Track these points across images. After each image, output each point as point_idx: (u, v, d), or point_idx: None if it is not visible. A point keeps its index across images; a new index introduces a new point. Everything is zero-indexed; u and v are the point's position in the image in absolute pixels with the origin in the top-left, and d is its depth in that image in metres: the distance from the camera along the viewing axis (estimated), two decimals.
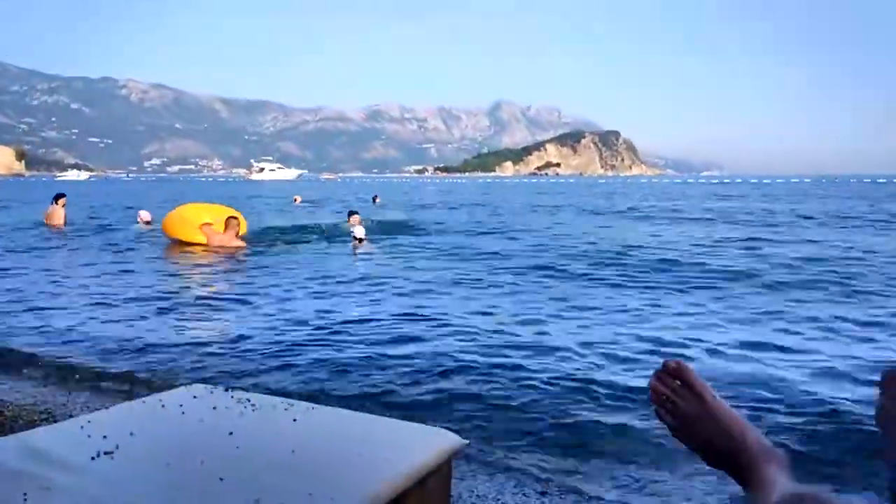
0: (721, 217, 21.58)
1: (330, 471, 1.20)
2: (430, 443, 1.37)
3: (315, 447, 1.31)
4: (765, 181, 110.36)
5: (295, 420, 1.47)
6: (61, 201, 16.51)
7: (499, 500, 2.69)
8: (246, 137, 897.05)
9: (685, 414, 1.08)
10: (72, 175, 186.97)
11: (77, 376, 4.48)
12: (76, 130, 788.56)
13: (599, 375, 4.57)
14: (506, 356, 5.01)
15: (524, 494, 2.74)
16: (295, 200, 33.60)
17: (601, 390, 4.24)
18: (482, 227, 17.71)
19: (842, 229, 16.73)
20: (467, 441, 1.43)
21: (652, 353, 5.14)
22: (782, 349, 5.30)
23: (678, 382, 1.09)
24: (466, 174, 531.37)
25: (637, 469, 3.09)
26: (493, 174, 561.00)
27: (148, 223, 16.31)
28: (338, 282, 8.47)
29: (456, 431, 1.43)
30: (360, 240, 12.66)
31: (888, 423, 1.04)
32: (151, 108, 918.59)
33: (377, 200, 31.50)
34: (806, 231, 16.40)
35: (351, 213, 15.95)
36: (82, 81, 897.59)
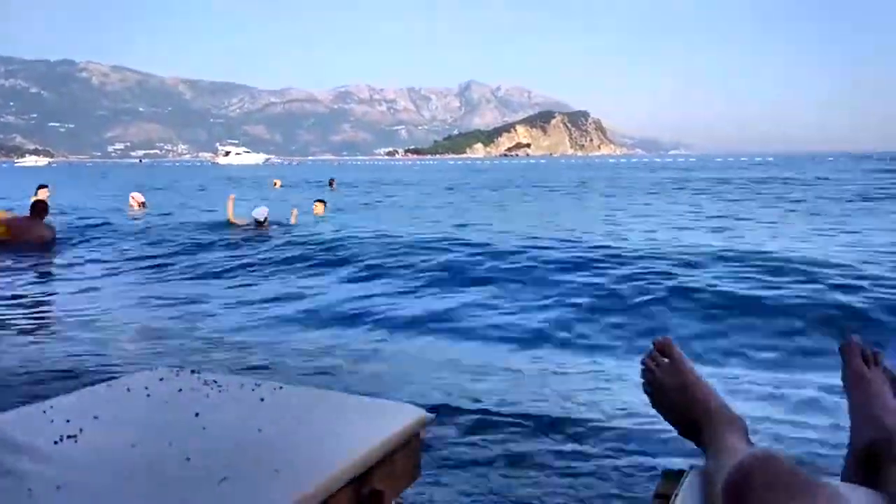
0: None
1: (297, 448, 1.21)
2: (396, 418, 1.38)
3: (282, 425, 1.32)
4: (729, 159, 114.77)
5: (262, 399, 1.46)
6: (44, 191, 16.29)
7: (466, 469, 2.71)
8: (212, 120, 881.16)
9: (661, 384, 1.16)
10: (30, 161, 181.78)
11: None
12: (35, 115, 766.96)
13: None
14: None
15: (490, 465, 2.77)
16: (275, 184, 33.10)
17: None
18: None
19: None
20: (433, 415, 1.46)
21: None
22: None
23: (665, 360, 1.18)
24: (437, 156, 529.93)
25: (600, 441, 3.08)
26: (464, 156, 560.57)
27: (142, 204, 16.22)
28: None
29: (422, 406, 1.45)
30: (261, 223, 11.89)
31: (849, 385, 1.21)
32: (113, 91, 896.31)
33: (333, 185, 30.83)
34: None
35: (317, 201, 16.22)
36: (41, 64, 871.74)
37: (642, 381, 1.21)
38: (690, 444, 1.13)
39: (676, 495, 0.96)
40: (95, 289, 7.34)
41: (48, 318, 6.10)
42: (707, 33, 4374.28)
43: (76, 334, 5.20)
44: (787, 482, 0.77)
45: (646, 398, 1.22)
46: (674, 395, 1.13)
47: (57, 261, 9.38)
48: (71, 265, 9.01)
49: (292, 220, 13.30)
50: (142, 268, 8.88)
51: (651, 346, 1.23)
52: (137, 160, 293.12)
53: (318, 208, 15.77)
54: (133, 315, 5.94)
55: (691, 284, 6.31)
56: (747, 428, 1.06)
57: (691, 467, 1.02)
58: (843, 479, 1.09)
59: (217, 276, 8.20)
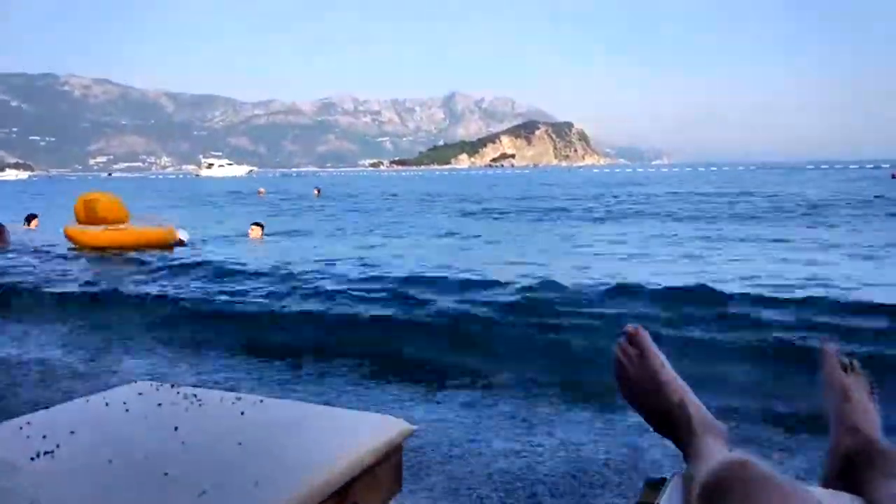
0: None
1: (277, 461, 1.20)
2: (378, 430, 1.37)
3: (262, 439, 1.31)
4: (700, 168, 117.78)
5: (242, 413, 1.45)
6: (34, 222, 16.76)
7: (451, 480, 2.66)
8: (195, 133, 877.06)
9: (633, 379, 1.12)
10: (11, 175, 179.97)
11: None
12: (16, 129, 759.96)
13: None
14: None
15: (473, 473, 2.73)
16: (259, 193, 33.76)
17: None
18: None
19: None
20: (416, 427, 1.44)
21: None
22: None
23: (635, 350, 1.14)
24: (423, 167, 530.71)
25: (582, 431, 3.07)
26: (448, 166, 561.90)
27: None
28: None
29: (404, 417, 1.44)
30: (181, 242, 11.13)
31: (828, 391, 1.20)
32: (96, 104, 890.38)
33: (318, 193, 31.09)
34: None
35: (254, 224, 14.42)
36: (21, 78, 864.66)
37: (614, 373, 1.18)
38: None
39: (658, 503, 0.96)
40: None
41: None
42: (690, 44, 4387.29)
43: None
44: (763, 487, 0.76)
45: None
46: (647, 392, 1.11)
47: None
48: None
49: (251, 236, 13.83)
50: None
51: (622, 335, 1.19)
52: (107, 174, 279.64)
53: (255, 232, 13.88)
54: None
55: None
56: (727, 432, 1.05)
57: (672, 475, 1.00)
58: (822, 483, 1.09)
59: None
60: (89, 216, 9.35)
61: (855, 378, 1.19)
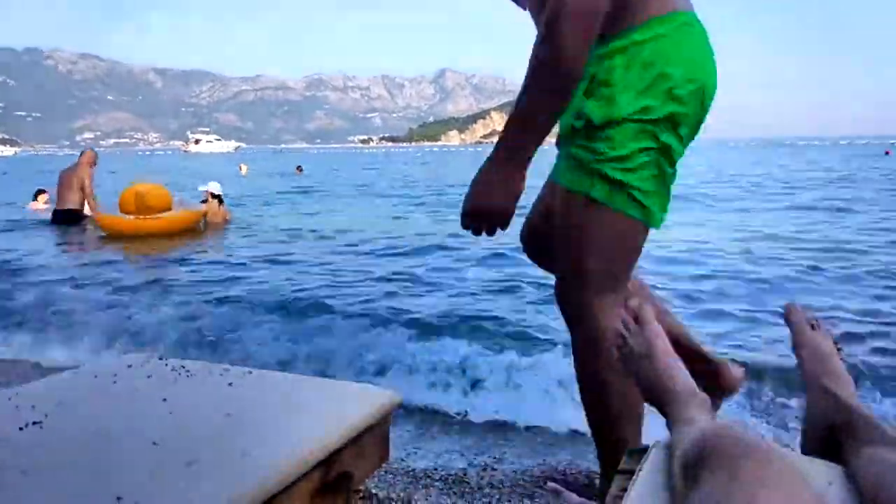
0: None
1: (265, 431, 1.21)
2: (365, 400, 1.39)
3: (250, 409, 1.31)
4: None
5: (230, 384, 1.46)
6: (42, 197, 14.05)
7: (438, 458, 2.57)
8: (183, 109, 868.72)
9: (631, 351, 1.16)
10: None
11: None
12: (2, 104, 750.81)
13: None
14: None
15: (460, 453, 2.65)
16: (241, 169, 32.33)
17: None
18: None
19: None
20: (401, 397, 1.45)
21: None
22: None
23: (635, 325, 1.17)
24: (413, 143, 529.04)
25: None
26: (439, 143, 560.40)
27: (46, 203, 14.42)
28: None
29: (391, 388, 1.43)
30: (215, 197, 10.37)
31: (800, 351, 1.22)
32: (82, 79, 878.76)
33: (301, 171, 30.41)
34: None
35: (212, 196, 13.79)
36: (5, 53, 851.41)
37: (613, 346, 1.20)
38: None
39: (640, 470, 0.96)
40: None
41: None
42: None
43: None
44: (746, 454, 0.77)
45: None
46: (643, 364, 1.14)
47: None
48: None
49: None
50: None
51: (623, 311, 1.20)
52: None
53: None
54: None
55: None
56: (710, 404, 1.07)
57: (654, 443, 1.02)
58: (802, 451, 1.11)
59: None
60: (139, 207, 9.26)
61: (822, 335, 1.23)
